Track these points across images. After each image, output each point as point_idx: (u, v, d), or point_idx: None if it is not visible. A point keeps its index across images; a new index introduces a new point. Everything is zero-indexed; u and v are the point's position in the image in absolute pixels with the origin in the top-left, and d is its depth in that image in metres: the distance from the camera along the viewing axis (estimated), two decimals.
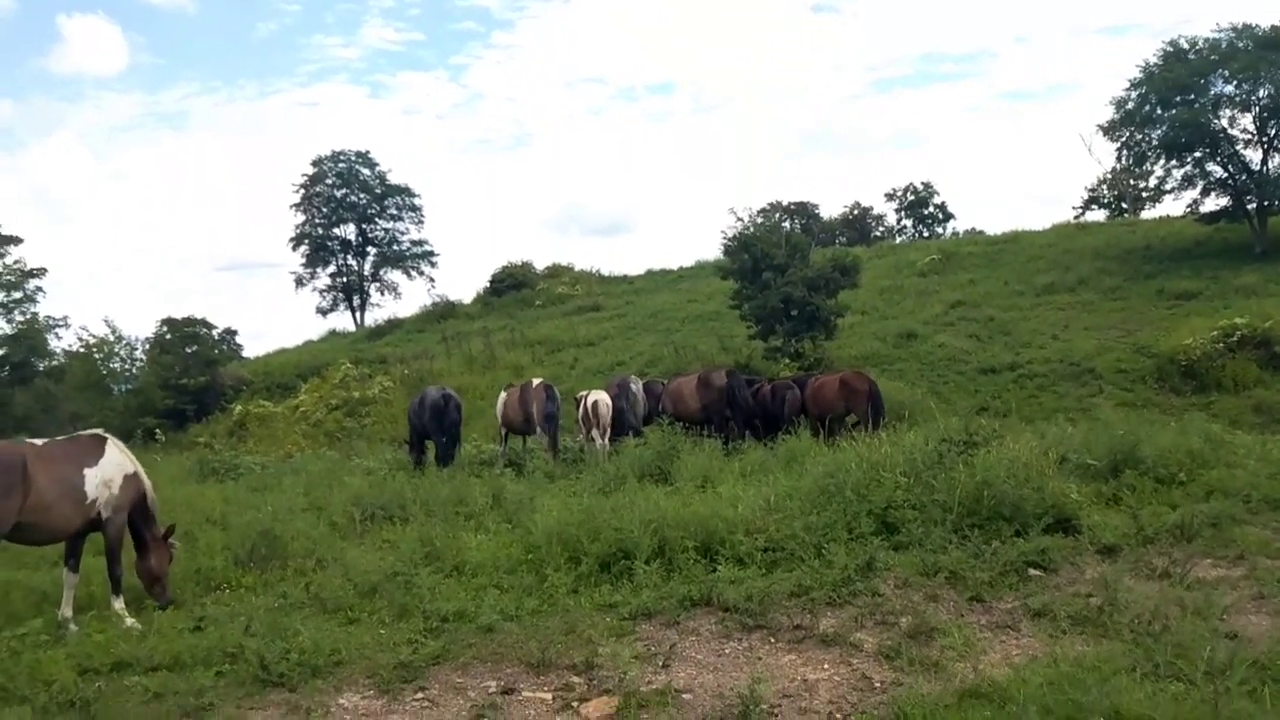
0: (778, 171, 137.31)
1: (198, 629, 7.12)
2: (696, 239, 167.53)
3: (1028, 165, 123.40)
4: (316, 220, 60.03)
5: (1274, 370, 25.55)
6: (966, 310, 35.02)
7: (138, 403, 35.40)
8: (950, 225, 63.17)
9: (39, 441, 7.82)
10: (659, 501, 9.03)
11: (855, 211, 67.44)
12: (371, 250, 61.87)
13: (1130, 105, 38.66)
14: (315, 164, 60.03)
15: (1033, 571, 7.63)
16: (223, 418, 36.64)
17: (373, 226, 61.32)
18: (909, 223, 64.97)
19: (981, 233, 52.57)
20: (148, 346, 39.01)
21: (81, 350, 36.24)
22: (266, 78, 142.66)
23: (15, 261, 38.79)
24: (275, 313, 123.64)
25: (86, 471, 7.74)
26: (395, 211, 61.42)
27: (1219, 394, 24.99)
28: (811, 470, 10.02)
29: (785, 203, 67.37)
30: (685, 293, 47.24)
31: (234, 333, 66.33)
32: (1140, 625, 6.18)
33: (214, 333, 63.99)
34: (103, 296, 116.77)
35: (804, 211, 67.07)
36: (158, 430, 33.21)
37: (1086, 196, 57.76)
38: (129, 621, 7.44)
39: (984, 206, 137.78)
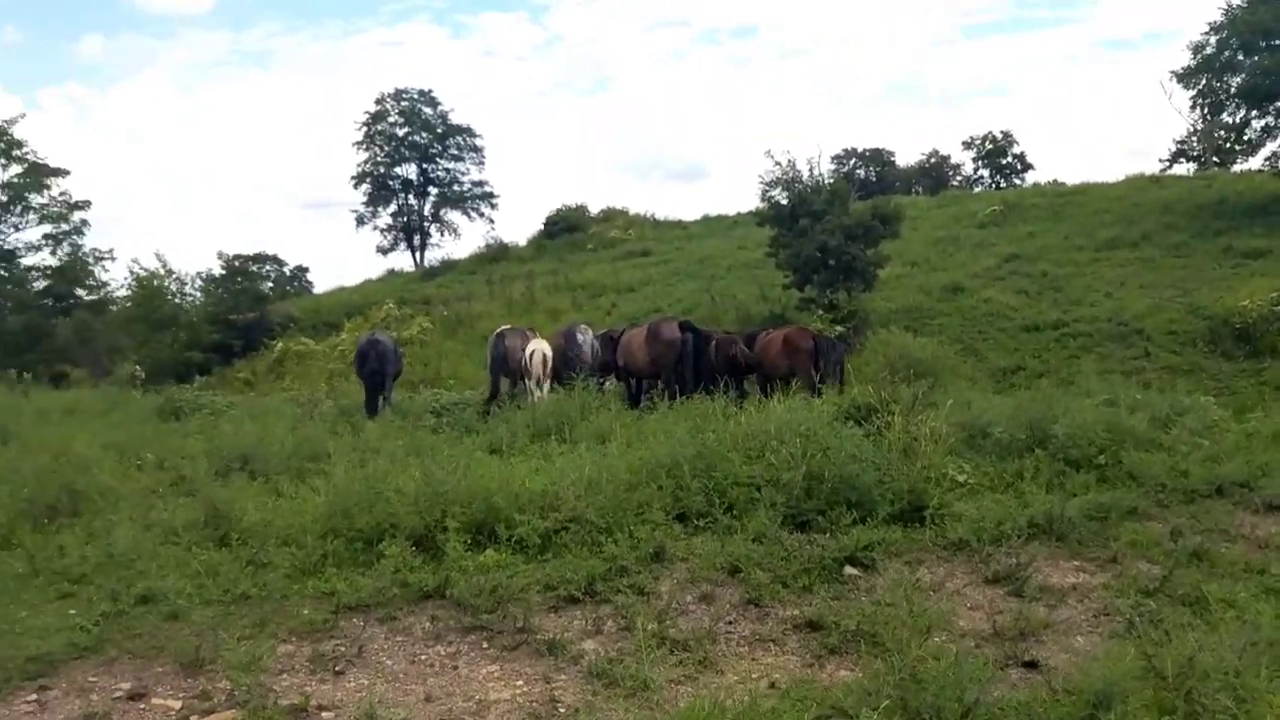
0: (858, 119, 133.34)
1: None
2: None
3: (1119, 116, 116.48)
4: (378, 159, 59.34)
5: None
6: (1020, 264, 32.79)
7: (186, 337, 35.42)
8: (1029, 176, 59.46)
9: None
10: (474, 468, 7.95)
11: (932, 160, 64.13)
12: (432, 190, 61.06)
13: (1209, 50, 35.39)
14: (378, 102, 59.31)
15: (849, 570, 6.44)
16: (265, 354, 36.76)
17: (434, 166, 60.46)
18: (986, 173, 61.30)
19: (1060, 184, 49.20)
20: (200, 282, 39.10)
21: (133, 284, 36.34)
22: (350, 17, 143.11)
23: (62, 194, 38.98)
24: (348, 252, 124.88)
25: None
26: (456, 151, 60.27)
27: (1273, 359, 22.74)
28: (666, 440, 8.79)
29: (860, 149, 64.63)
30: (738, 239, 45.67)
31: (305, 270, 67.34)
32: (910, 649, 4.99)
33: (284, 269, 65.03)
34: (177, 232, 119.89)
35: (879, 159, 64.06)
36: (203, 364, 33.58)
37: (1174, 149, 53.46)
38: None
39: (1067, 159, 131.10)
